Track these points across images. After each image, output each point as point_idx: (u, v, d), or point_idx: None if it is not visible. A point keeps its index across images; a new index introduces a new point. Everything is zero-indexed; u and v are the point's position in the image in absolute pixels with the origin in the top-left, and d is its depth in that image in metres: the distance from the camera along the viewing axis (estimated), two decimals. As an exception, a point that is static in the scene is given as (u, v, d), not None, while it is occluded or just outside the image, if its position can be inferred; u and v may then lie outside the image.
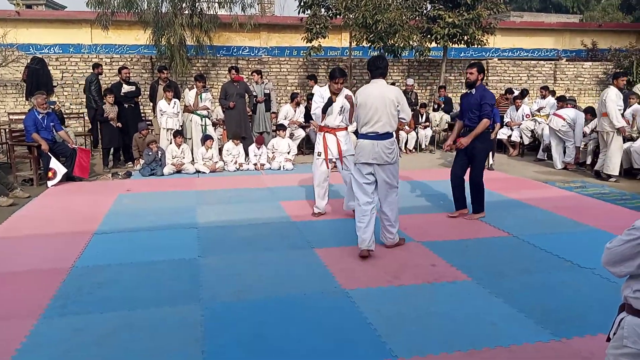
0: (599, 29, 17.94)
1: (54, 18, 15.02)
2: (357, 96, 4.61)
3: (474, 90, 5.59)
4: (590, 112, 9.28)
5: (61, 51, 13.87)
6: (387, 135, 4.48)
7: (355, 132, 5.19)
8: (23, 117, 8.28)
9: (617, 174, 7.79)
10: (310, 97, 10.63)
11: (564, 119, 8.94)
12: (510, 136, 10.56)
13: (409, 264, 4.35)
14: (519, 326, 3.26)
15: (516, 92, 11.05)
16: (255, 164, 8.91)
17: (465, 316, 3.40)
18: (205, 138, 8.81)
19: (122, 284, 3.93)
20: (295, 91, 11.03)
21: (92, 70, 9.98)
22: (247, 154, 9.15)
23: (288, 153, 9.17)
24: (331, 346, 3.04)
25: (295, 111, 10.23)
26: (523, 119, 10.41)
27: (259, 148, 9.09)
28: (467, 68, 5.64)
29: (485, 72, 5.60)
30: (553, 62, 15.04)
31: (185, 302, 3.61)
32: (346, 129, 5.76)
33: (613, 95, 7.59)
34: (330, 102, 5.47)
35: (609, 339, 2.01)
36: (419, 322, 3.31)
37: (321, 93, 5.62)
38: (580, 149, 9.09)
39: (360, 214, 4.53)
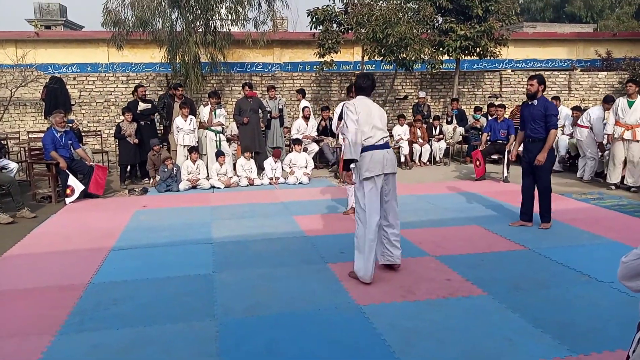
0: (614, 38, 17.80)
1: (72, 38, 15.36)
2: (352, 110, 4.19)
3: (535, 102, 5.68)
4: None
5: (79, 70, 14.17)
6: (389, 145, 4.37)
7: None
8: (42, 135, 8.45)
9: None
10: (324, 109, 10.73)
11: (586, 127, 8.83)
12: (514, 146, 10.47)
13: (424, 279, 4.33)
14: (535, 342, 3.21)
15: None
16: (270, 178, 8.97)
17: (481, 331, 3.36)
18: (218, 154, 8.90)
19: (138, 300, 3.96)
20: (309, 106, 11.11)
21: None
22: (261, 169, 9.22)
23: (305, 167, 9.21)
24: (345, 362, 3.03)
25: (307, 125, 10.29)
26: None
27: (275, 162, 9.16)
28: (528, 80, 5.77)
29: (545, 83, 5.71)
30: (567, 72, 14.94)
31: (200, 318, 3.63)
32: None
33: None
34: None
35: (628, 358, 1.97)
36: (433, 338, 3.28)
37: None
38: (598, 160, 8.98)
39: (370, 237, 4.16)
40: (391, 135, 10.08)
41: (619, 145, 7.87)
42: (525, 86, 5.84)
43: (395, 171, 4.39)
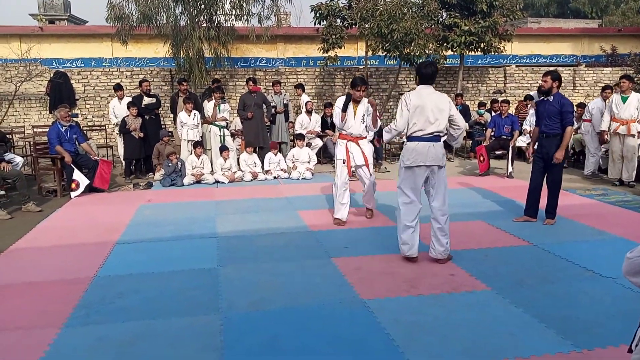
0: (619, 33, 17.70)
1: (76, 33, 15.38)
2: (408, 99, 4.45)
3: (551, 98, 5.65)
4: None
5: (83, 65, 14.19)
6: (439, 138, 4.49)
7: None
8: (47, 130, 8.48)
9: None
10: (327, 106, 10.74)
11: (589, 121, 8.85)
12: (529, 143, 10.45)
13: (428, 274, 4.34)
14: (539, 337, 3.22)
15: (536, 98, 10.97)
16: (268, 171, 9.01)
17: (485, 326, 3.37)
18: (222, 149, 8.92)
19: (143, 294, 3.99)
20: (312, 100, 11.11)
21: (177, 87, 10.00)
22: (264, 164, 9.25)
23: (308, 162, 9.23)
24: (349, 357, 3.04)
25: (310, 120, 10.30)
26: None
27: (275, 155, 9.20)
28: (542, 76, 5.73)
29: (561, 79, 5.70)
30: (572, 68, 14.88)
31: (204, 312, 3.65)
32: (366, 137, 5.82)
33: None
34: (349, 99, 5.55)
35: (630, 351, 1.98)
36: (437, 333, 3.29)
37: (343, 100, 5.71)
38: (599, 156, 8.96)
39: (408, 214, 4.51)
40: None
41: (615, 140, 7.96)
42: (539, 81, 5.82)
43: (440, 164, 4.48)
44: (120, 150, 9.59)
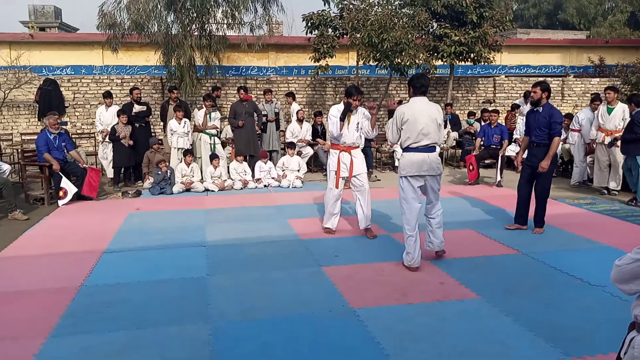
0: (606, 45, 17.96)
1: (67, 40, 15.32)
2: (401, 113, 4.62)
3: (540, 109, 5.75)
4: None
5: (73, 72, 14.13)
6: (435, 148, 4.69)
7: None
8: (35, 137, 8.40)
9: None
10: (317, 114, 10.77)
11: (578, 131, 8.94)
12: (518, 153, 10.52)
13: (418, 282, 4.34)
14: (528, 345, 3.22)
15: (523, 106, 11.05)
16: (259, 179, 8.99)
17: (475, 335, 3.37)
18: (212, 157, 8.90)
19: (131, 303, 3.94)
20: (303, 109, 11.13)
21: (168, 95, 10.01)
22: (254, 172, 9.23)
23: (299, 171, 9.22)
24: (339, 365, 3.02)
25: (301, 128, 10.31)
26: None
27: (265, 163, 9.19)
28: (532, 87, 5.84)
29: (550, 90, 5.85)
30: (560, 78, 15.05)
31: (193, 321, 3.62)
32: (359, 147, 5.82)
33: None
34: (348, 109, 5.54)
35: (619, 358, 1.98)
36: (427, 341, 3.28)
37: (339, 109, 5.67)
38: (584, 166, 9.03)
39: (410, 220, 4.65)
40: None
41: (602, 149, 8.06)
42: (531, 92, 5.92)
43: (434, 173, 4.67)
44: (101, 157, 9.49)
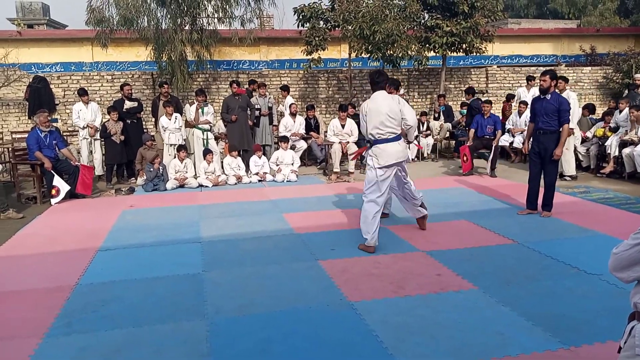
0: (597, 33, 17.99)
1: (55, 37, 15.14)
2: (364, 108, 4.98)
3: (548, 96, 5.91)
4: (588, 108, 9.60)
5: (63, 69, 13.98)
6: (399, 137, 4.96)
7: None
8: (26, 135, 8.32)
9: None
10: (309, 108, 10.71)
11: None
12: (512, 143, 10.55)
13: (414, 274, 4.33)
14: (527, 335, 3.23)
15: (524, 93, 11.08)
16: (256, 173, 8.97)
17: (472, 326, 3.37)
18: (205, 152, 8.85)
19: (127, 301, 3.91)
20: (295, 103, 11.07)
21: (159, 90, 9.91)
22: (248, 167, 9.19)
23: (292, 164, 9.19)
24: None
25: (294, 122, 10.26)
26: (526, 125, 10.40)
27: (260, 157, 9.16)
28: (541, 75, 5.96)
29: (558, 78, 6.03)
30: (552, 67, 15.06)
31: (190, 318, 3.59)
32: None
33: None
34: None
35: (620, 349, 1.98)
36: (425, 333, 3.28)
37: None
38: (582, 154, 9.08)
39: (371, 210, 4.90)
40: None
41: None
42: (538, 82, 6.07)
43: (402, 160, 5.05)
44: (85, 154, 9.36)
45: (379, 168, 4.88)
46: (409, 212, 5.70)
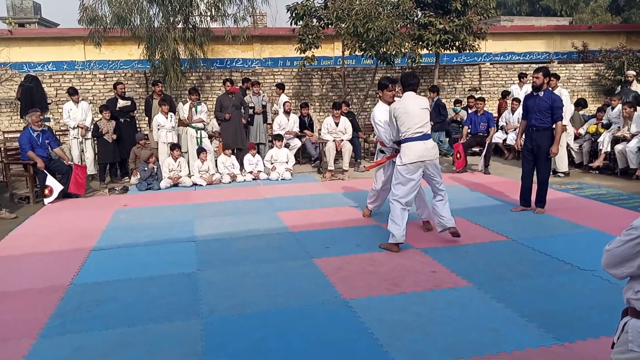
0: (589, 30, 18.05)
1: (47, 36, 15.01)
2: (396, 108, 4.93)
3: (541, 93, 5.93)
4: (580, 104, 9.82)
5: (55, 68, 13.86)
6: (427, 136, 4.91)
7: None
8: (18, 135, 8.26)
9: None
10: (303, 106, 10.70)
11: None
12: (505, 140, 10.59)
13: (409, 271, 4.34)
14: (521, 331, 3.24)
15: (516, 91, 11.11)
16: (251, 172, 8.96)
17: (467, 322, 3.38)
18: (199, 151, 8.82)
19: (121, 301, 3.90)
20: (289, 101, 11.05)
21: (152, 89, 9.93)
22: (242, 165, 9.17)
23: (287, 163, 9.18)
24: (333, 358, 3.01)
25: (288, 120, 10.25)
26: (519, 123, 10.44)
27: (254, 156, 9.15)
28: (534, 72, 5.99)
29: (551, 75, 6.22)
30: (545, 65, 15.11)
31: (184, 317, 3.58)
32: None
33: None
34: None
35: (613, 345, 1.99)
36: (420, 330, 3.29)
37: (385, 109, 5.38)
38: (575, 150, 9.14)
39: (393, 209, 4.86)
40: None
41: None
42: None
43: (433, 158, 4.95)
44: (75, 154, 9.24)
45: (401, 165, 4.84)
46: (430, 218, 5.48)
